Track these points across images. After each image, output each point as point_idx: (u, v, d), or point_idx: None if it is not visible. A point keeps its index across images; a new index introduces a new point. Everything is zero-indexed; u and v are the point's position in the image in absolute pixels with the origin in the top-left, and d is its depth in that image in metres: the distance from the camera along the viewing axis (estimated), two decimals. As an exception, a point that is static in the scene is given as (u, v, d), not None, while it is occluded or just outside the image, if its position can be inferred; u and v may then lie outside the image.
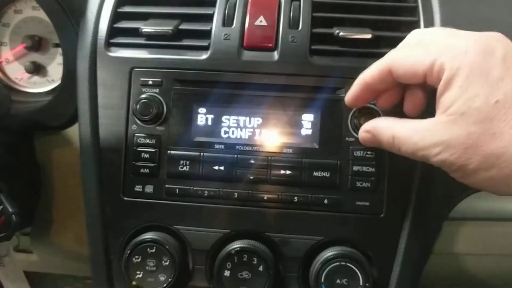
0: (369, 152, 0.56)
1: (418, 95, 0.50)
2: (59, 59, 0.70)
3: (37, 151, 0.69)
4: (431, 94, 0.49)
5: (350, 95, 0.52)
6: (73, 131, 0.66)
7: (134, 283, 0.56)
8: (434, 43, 0.45)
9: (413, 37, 0.50)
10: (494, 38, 0.43)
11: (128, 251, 0.56)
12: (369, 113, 0.55)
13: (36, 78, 0.72)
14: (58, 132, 0.67)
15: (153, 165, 0.57)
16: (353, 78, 0.52)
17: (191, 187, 0.57)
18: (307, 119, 0.57)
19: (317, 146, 0.56)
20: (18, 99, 0.68)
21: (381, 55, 0.54)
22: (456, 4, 0.59)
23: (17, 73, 0.72)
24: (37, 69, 0.72)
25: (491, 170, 0.40)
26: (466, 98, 0.41)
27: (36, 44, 0.71)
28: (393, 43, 0.53)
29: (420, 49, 0.45)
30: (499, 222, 0.62)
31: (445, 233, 0.61)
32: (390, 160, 0.55)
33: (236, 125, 0.57)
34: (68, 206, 0.69)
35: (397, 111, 0.52)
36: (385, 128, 0.49)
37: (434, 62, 0.43)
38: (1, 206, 0.59)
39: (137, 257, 0.56)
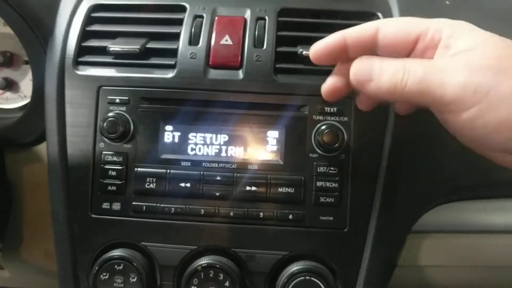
0: (332, 168, 0.57)
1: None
2: (31, 75, 0.70)
3: (8, 167, 0.69)
4: None
5: (320, 44, 0.48)
6: (43, 148, 0.66)
7: (102, 300, 0.56)
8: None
9: None
10: None
11: (96, 268, 0.56)
12: (333, 131, 0.55)
13: (8, 94, 0.73)
14: (28, 148, 0.68)
15: (120, 182, 0.58)
16: (317, 96, 0.54)
17: (158, 204, 0.57)
18: (272, 136, 0.58)
19: (282, 163, 0.57)
20: (-10, 115, 0.69)
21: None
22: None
23: (-11, 89, 0.73)
24: (9, 85, 0.72)
25: None
26: (481, 34, 0.39)
27: (8, 60, 0.71)
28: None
29: (411, 18, 0.44)
30: (461, 234, 0.63)
31: (409, 246, 0.62)
32: (353, 176, 0.57)
33: (202, 142, 0.58)
34: (39, 222, 0.70)
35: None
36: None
37: (429, 26, 0.41)
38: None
39: (104, 274, 0.56)
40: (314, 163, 0.57)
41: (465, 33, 0.40)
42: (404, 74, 0.40)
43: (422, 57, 0.42)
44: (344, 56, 0.47)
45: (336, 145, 0.55)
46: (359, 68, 0.44)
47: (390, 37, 0.43)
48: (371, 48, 0.44)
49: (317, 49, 0.47)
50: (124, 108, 0.58)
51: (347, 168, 0.57)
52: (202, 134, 0.58)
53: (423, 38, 0.41)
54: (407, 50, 0.43)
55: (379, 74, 0.42)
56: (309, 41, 0.60)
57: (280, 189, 0.57)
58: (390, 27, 0.43)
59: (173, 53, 0.59)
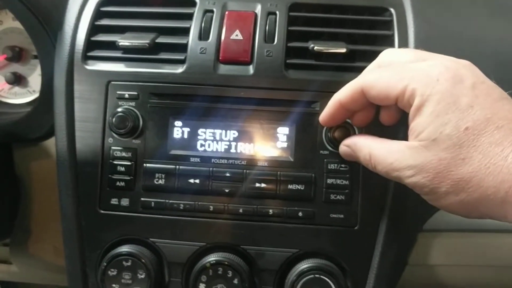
0: (343, 165, 0.56)
1: (392, 109, 0.51)
2: (40, 70, 0.70)
3: (16, 163, 0.69)
4: None
5: (325, 114, 0.52)
6: (52, 143, 0.66)
7: (110, 296, 0.56)
8: (407, 67, 0.45)
9: (385, 58, 0.50)
10: (464, 66, 0.44)
11: (104, 264, 0.56)
12: (344, 126, 0.55)
13: (17, 88, 0.72)
14: (37, 144, 0.67)
15: (129, 178, 0.57)
16: (328, 92, 0.53)
17: (167, 200, 0.57)
18: (283, 132, 0.57)
19: (292, 159, 0.57)
20: (-1, 110, 0.69)
21: (356, 68, 0.55)
22: (430, 18, 0.60)
23: (-3, 84, 0.73)
24: (18, 80, 0.71)
25: (461, 194, 0.40)
26: (437, 125, 0.41)
27: (17, 54, 0.71)
28: (368, 56, 0.54)
29: (393, 72, 0.46)
30: (473, 233, 0.62)
31: (420, 245, 0.61)
32: (364, 173, 0.56)
33: (212, 138, 0.58)
34: (47, 218, 0.69)
35: (372, 124, 0.53)
36: (363, 146, 0.50)
37: (406, 87, 0.43)
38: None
39: (113, 270, 0.56)
40: (325, 160, 0.56)
41: (430, 111, 0.42)
42: (374, 166, 0.48)
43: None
44: (348, 113, 0.52)
45: (347, 141, 0.54)
46: (344, 154, 0.54)
47: (375, 98, 0.47)
48: (364, 101, 0.49)
49: (324, 118, 0.53)
50: (133, 103, 0.58)
51: (358, 165, 0.56)
52: (212, 130, 0.58)
53: (401, 100, 0.45)
54: (392, 104, 0.47)
55: (357, 159, 0.51)
56: (320, 36, 0.60)
57: (290, 186, 0.56)
58: (372, 90, 0.47)
59: (183, 48, 0.59)
